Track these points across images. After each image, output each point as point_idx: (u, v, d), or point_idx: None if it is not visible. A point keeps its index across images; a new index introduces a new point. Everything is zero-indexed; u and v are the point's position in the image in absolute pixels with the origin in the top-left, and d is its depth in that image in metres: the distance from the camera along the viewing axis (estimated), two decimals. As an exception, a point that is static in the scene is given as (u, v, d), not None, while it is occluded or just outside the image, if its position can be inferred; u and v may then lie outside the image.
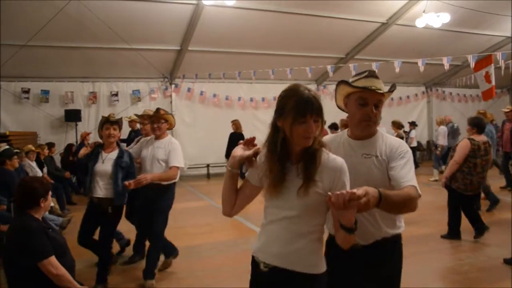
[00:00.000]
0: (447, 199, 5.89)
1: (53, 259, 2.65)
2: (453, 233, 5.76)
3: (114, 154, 4.27)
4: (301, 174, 1.79)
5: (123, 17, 9.48)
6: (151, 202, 4.48)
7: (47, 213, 6.21)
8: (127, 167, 4.26)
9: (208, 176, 13.31)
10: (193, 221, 7.35)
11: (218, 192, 8.04)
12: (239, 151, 1.94)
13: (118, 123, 4.35)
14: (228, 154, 10.85)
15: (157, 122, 4.51)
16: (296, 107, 1.74)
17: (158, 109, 4.65)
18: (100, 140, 4.74)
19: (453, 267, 4.74)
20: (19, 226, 2.76)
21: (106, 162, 4.22)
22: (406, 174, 2.05)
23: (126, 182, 4.08)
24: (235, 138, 10.87)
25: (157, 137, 4.57)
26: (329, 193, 1.59)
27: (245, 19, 10.28)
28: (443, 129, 11.37)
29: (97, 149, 4.33)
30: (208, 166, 13.15)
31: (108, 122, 4.28)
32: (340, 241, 1.78)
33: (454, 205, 5.80)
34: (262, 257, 1.88)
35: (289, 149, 1.83)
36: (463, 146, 5.62)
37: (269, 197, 1.88)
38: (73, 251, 3.00)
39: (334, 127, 9.99)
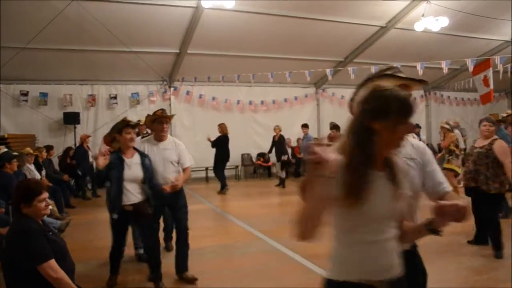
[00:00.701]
0: (488, 208, 5.27)
1: (52, 262, 2.64)
2: (497, 244, 5.21)
3: (136, 158, 4.17)
4: (395, 179, 1.71)
5: (122, 20, 9.49)
6: (170, 202, 4.52)
7: (45, 216, 6.19)
8: (150, 168, 4.22)
9: (207, 179, 13.29)
10: (193, 224, 7.25)
11: (217, 195, 8.15)
12: (330, 152, 1.55)
13: (136, 126, 4.32)
14: (219, 157, 10.91)
15: (167, 123, 4.49)
16: (402, 109, 1.63)
17: (164, 110, 4.64)
18: (101, 144, 4.71)
19: (453, 270, 4.73)
20: (19, 228, 2.73)
21: (133, 167, 4.10)
22: (444, 179, 2.10)
23: (165, 187, 4.17)
24: (223, 140, 11.04)
25: (161, 139, 4.48)
26: (438, 201, 1.64)
27: (244, 23, 10.30)
28: (458, 133, 11.07)
29: (116, 155, 4.11)
30: (207, 169, 13.13)
31: (129, 126, 4.14)
32: (407, 240, 1.80)
33: (497, 211, 5.41)
34: (378, 276, 1.69)
35: (376, 154, 1.67)
36: (505, 147, 5.21)
37: (364, 213, 1.66)
38: (72, 255, 2.98)
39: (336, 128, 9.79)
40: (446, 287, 4.27)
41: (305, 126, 10.83)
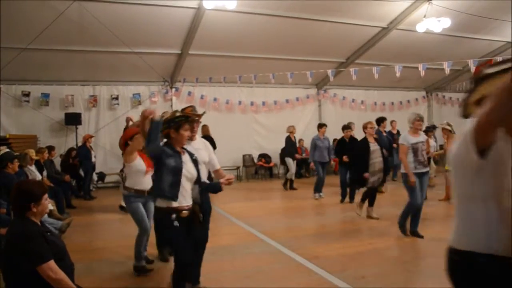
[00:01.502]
0: None
1: (52, 263, 2.62)
2: None
3: (187, 156, 3.71)
4: None
5: (124, 21, 9.49)
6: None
7: (46, 216, 6.19)
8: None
9: (209, 179, 13.25)
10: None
11: (216, 196, 8.00)
12: None
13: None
14: None
15: (198, 122, 4.20)
16: None
17: (194, 107, 4.19)
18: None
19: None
20: (18, 230, 2.72)
21: (188, 165, 3.63)
22: None
23: (222, 180, 3.80)
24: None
25: (191, 139, 4.11)
26: None
27: (246, 23, 10.29)
28: None
29: (172, 148, 3.58)
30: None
31: (188, 122, 3.70)
32: None
33: None
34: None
35: None
36: None
37: None
38: (73, 255, 2.97)
39: (347, 127, 9.43)
40: (442, 287, 4.25)
41: (325, 125, 10.33)
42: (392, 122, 11.53)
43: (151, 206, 4.71)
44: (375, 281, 4.42)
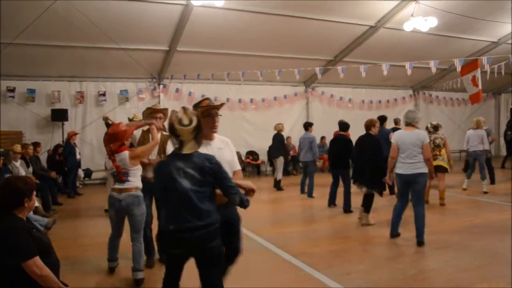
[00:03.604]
0: None
1: (37, 259, 2.62)
2: None
3: None
4: None
5: (111, 17, 9.41)
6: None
7: (31, 213, 6.14)
8: None
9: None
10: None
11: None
12: None
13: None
14: None
15: (217, 115, 3.47)
16: None
17: (210, 99, 3.63)
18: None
19: (439, 268, 4.78)
20: (3, 226, 2.71)
21: None
22: None
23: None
24: None
25: (211, 137, 3.42)
26: None
27: (234, 20, 10.28)
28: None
29: None
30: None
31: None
32: None
33: None
34: None
35: None
36: None
37: None
38: (58, 252, 2.96)
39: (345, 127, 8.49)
40: (428, 287, 4.31)
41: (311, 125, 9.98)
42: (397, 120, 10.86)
43: None
44: (360, 277, 4.47)
